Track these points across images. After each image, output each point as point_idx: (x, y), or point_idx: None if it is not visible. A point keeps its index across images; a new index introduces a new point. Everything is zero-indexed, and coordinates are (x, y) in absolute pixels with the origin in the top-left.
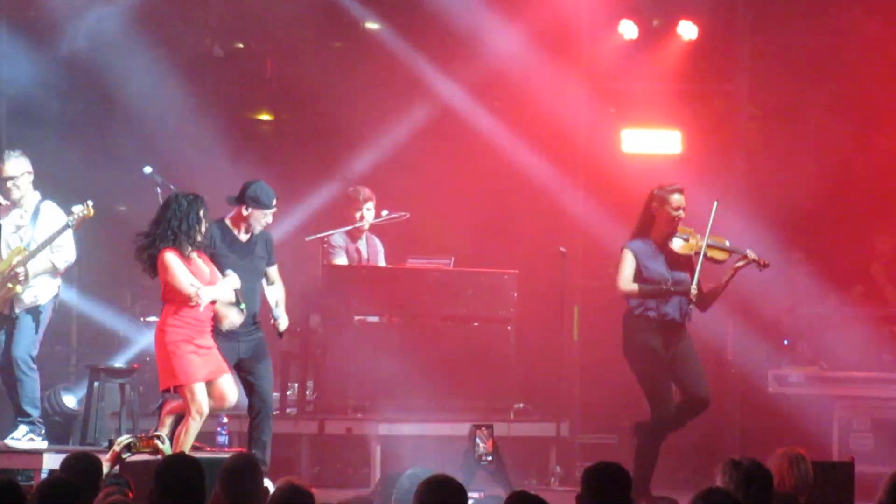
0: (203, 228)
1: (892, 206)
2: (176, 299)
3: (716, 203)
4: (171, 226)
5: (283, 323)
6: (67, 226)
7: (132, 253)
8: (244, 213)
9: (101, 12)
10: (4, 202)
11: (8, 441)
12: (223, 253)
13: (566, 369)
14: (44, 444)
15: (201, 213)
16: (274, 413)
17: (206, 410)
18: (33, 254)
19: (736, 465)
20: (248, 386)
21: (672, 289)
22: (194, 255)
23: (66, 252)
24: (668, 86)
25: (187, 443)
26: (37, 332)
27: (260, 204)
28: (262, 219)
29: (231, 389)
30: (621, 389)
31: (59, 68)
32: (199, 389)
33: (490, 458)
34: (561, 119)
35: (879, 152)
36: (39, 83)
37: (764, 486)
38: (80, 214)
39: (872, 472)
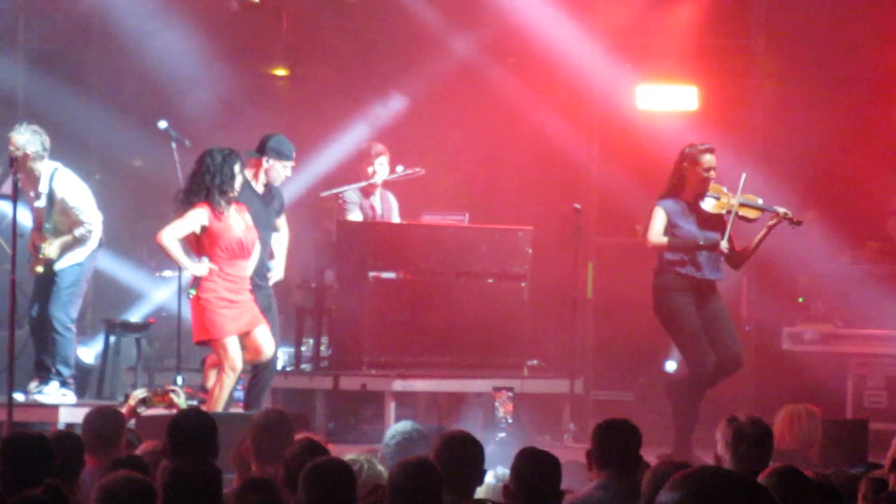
0: (237, 184)
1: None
2: (208, 254)
3: (744, 176)
4: (205, 181)
5: (277, 274)
6: (74, 236)
7: (150, 208)
8: (265, 164)
9: None
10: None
11: (38, 396)
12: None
13: (580, 326)
14: (74, 400)
15: (236, 168)
16: (289, 369)
17: (239, 365)
18: (50, 244)
19: (730, 423)
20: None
21: (702, 241)
22: (230, 209)
23: (85, 226)
24: (685, 42)
25: (222, 398)
26: (76, 291)
27: (281, 155)
28: (281, 171)
29: (267, 341)
30: (635, 346)
31: (76, 23)
32: (232, 344)
33: (510, 421)
34: (577, 75)
35: None
36: (56, 38)
37: (755, 443)
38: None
39: (887, 430)
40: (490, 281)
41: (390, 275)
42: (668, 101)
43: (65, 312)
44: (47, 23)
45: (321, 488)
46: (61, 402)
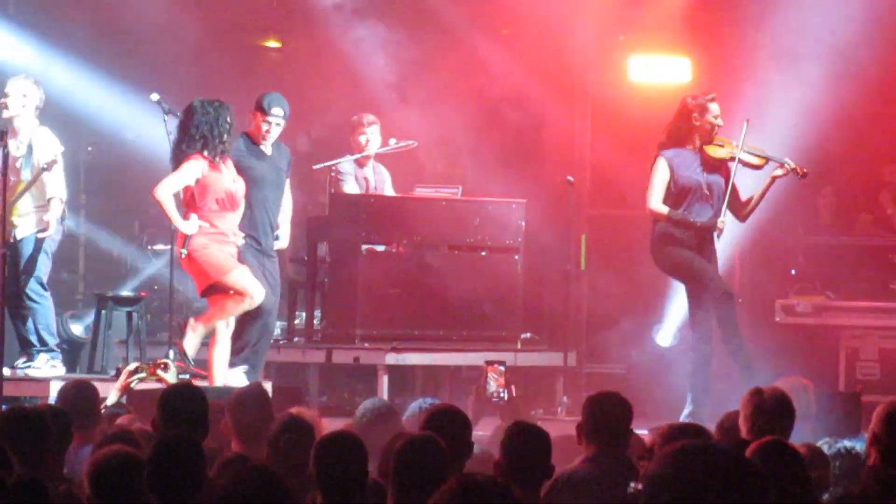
0: (227, 136)
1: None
2: (196, 206)
3: (746, 123)
4: (202, 131)
5: (282, 242)
6: (43, 169)
7: (142, 181)
8: (255, 125)
9: None
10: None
11: (29, 371)
12: (251, 164)
13: (573, 299)
14: (62, 371)
15: (229, 118)
16: (282, 342)
17: (259, 292)
18: (20, 193)
19: (753, 395)
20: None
21: (698, 222)
22: (224, 162)
23: (53, 188)
24: (677, 13)
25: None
26: (43, 257)
27: (261, 108)
28: (264, 129)
29: (256, 285)
30: (629, 319)
31: None
32: (242, 273)
33: (503, 395)
34: (569, 47)
35: (891, 81)
36: (47, 9)
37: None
38: (49, 159)
39: (879, 402)
40: (483, 254)
41: (383, 247)
42: (660, 72)
43: (36, 280)
44: None
45: (335, 462)
46: (52, 375)
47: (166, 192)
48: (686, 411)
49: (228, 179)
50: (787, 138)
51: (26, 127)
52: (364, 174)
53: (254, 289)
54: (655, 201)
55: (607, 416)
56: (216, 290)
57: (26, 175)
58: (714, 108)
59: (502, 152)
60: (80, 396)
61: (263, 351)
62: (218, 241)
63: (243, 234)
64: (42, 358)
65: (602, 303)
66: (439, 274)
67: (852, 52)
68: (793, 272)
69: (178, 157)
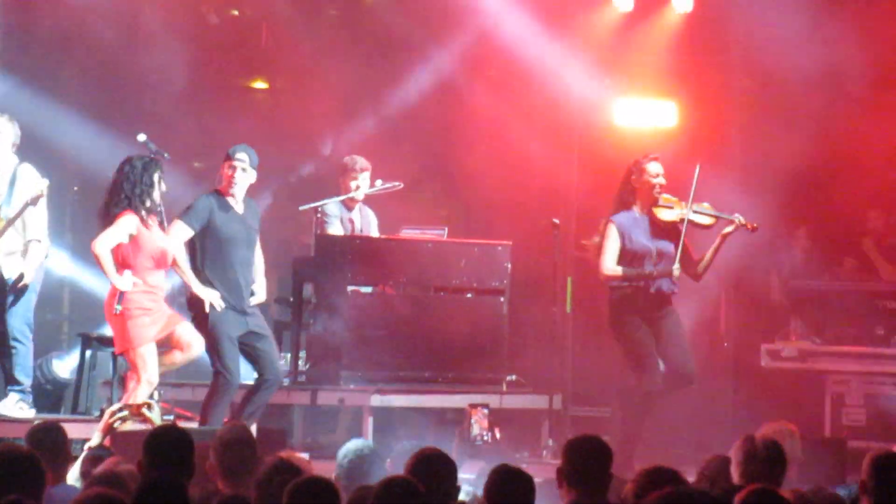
0: (156, 193)
1: (883, 181)
2: (129, 263)
3: (698, 168)
4: (125, 189)
5: (259, 297)
6: (27, 204)
7: None
8: (222, 174)
9: None
10: None
11: None
12: (222, 224)
13: (559, 341)
14: (31, 413)
15: (155, 176)
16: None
17: (155, 378)
18: (5, 229)
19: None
20: (257, 358)
21: (655, 272)
22: (153, 220)
23: (33, 230)
24: (663, 57)
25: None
26: (31, 296)
27: (226, 157)
28: (229, 174)
29: (194, 336)
30: (614, 362)
31: (55, 36)
32: (149, 352)
33: (486, 438)
34: (555, 89)
35: (874, 126)
36: (34, 51)
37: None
38: (37, 192)
39: (864, 448)
40: (469, 296)
41: (369, 289)
42: (646, 116)
43: (24, 321)
44: (25, 35)
45: None
46: (19, 416)
47: (104, 246)
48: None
49: (158, 237)
50: (772, 183)
51: (6, 164)
52: (350, 216)
53: (151, 374)
54: (609, 264)
55: (587, 460)
56: (127, 357)
57: (6, 213)
58: (652, 167)
59: (488, 194)
60: (48, 437)
61: (269, 394)
62: (149, 298)
63: (220, 295)
64: (13, 397)
65: (587, 345)
66: (425, 316)
67: (839, 99)
68: (778, 317)
69: (105, 213)
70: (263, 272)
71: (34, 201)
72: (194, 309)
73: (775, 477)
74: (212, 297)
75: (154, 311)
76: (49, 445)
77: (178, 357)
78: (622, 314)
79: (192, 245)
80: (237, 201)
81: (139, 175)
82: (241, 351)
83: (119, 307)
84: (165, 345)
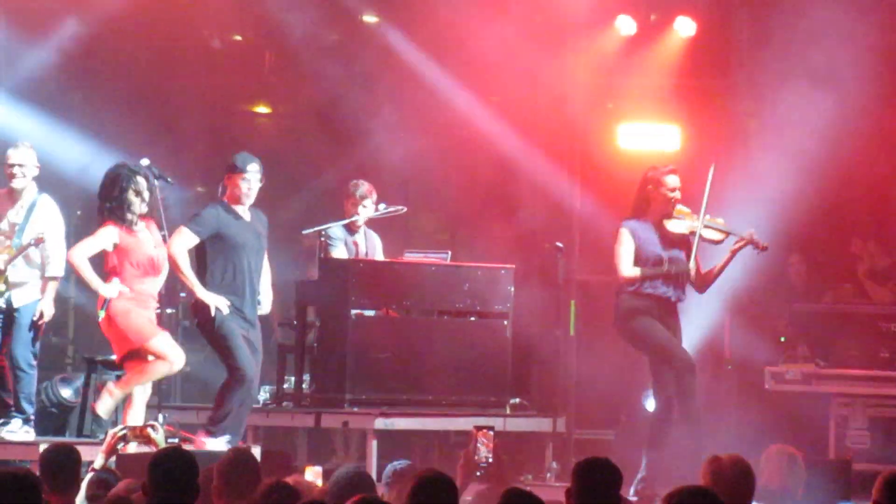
0: (135, 203)
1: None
2: (117, 271)
3: (711, 170)
4: (106, 200)
5: (265, 307)
6: (31, 244)
7: None
8: (232, 187)
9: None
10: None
11: (3, 434)
12: (232, 231)
13: (563, 364)
14: (34, 437)
15: (134, 185)
16: (271, 406)
17: (181, 358)
18: (13, 258)
19: (710, 462)
20: None
21: (672, 270)
22: (140, 225)
23: (53, 267)
24: (666, 81)
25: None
26: (37, 329)
27: (234, 169)
28: (244, 187)
29: (176, 351)
30: (618, 385)
31: (58, 58)
32: (164, 340)
33: (490, 461)
34: (558, 114)
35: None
36: (37, 73)
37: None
38: (37, 237)
39: (869, 470)
40: (472, 319)
41: (372, 312)
42: (649, 140)
43: (29, 350)
44: (29, 59)
45: None
46: (25, 440)
47: (80, 256)
48: (638, 476)
49: (149, 245)
50: (775, 206)
51: (28, 194)
52: (354, 239)
53: (174, 355)
54: (626, 267)
55: (597, 482)
56: (135, 356)
57: (18, 242)
58: (670, 180)
59: (492, 218)
60: (61, 460)
61: (244, 419)
62: (139, 305)
63: (227, 303)
64: (17, 422)
65: (591, 368)
66: (428, 339)
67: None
68: (782, 339)
69: (98, 220)
70: (270, 282)
71: (36, 243)
72: (199, 314)
73: (745, 496)
74: (217, 302)
75: (144, 314)
76: (63, 467)
77: (163, 368)
78: (633, 317)
79: (201, 252)
80: (243, 210)
81: (122, 186)
82: None
83: (102, 313)
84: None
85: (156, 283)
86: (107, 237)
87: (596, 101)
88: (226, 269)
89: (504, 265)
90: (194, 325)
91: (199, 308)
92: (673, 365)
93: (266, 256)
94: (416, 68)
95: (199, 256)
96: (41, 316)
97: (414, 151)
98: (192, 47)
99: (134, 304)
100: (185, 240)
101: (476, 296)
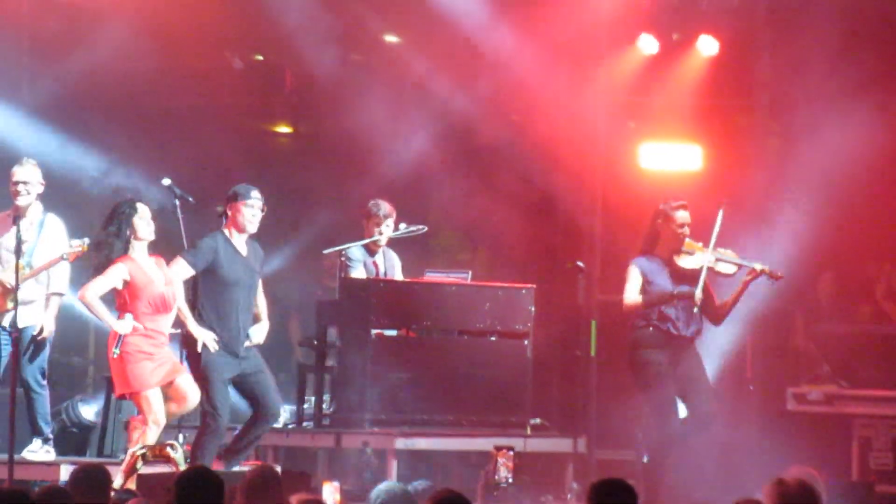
0: (128, 232)
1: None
2: (129, 308)
3: (721, 212)
4: (109, 237)
5: (258, 338)
6: (63, 258)
7: None
8: (236, 215)
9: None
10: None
11: (25, 454)
12: (225, 266)
13: (583, 385)
14: (54, 457)
15: (138, 213)
16: (291, 427)
17: (162, 419)
18: (26, 278)
19: (776, 485)
20: (254, 391)
21: (675, 293)
22: (150, 261)
23: (56, 283)
24: (688, 101)
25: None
26: (44, 348)
27: (238, 197)
28: (248, 214)
29: (192, 388)
30: (638, 405)
31: (80, 79)
32: (154, 396)
33: (510, 480)
34: (580, 133)
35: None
36: (58, 93)
37: None
38: (76, 249)
39: (892, 492)
40: (493, 339)
41: (393, 332)
42: (671, 160)
43: (38, 370)
44: (51, 79)
45: None
46: (46, 460)
47: (92, 295)
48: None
49: (160, 282)
50: (797, 227)
51: (34, 211)
52: (374, 260)
53: (158, 415)
54: (630, 297)
55: (612, 502)
56: (131, 399)
57: (27, 260)
58: (680, 216)
59: (513, 237)
60: (91, 480)
61: (257, 437)
62: (150, 343)
63: (216, 338)
64: (37, 443)
65: (612, 388)
66: (449, 359)
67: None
68: (804, 360)
69: (96, 258)
70: (266, 314)
71: (71, 258)
72: (188, 346)
73: None
74: (206, 338)
75: (156, 357)
76: (93, 487)
77: (172, 408)
78: (643, 354)
79: (193, 284)
80: (242, 243)
81: (110, 218)
82: (238, 389)
83: (117, 350)
84: (163, 394)
85: (167, 320)
86: (117, 274)
87: (618, 121)
88: (216, 305)
89: (525, 285)
90: (183, 357)
91: (189, 341)
92: (663, 430)
93: (260, 288)
94: (436, 87)
95: (192, 287)
96: (41, 331)
97: (435, 170)
98: (214, 67)
99: (147, 343)
100: (181, 270)
101: (496, 315)
